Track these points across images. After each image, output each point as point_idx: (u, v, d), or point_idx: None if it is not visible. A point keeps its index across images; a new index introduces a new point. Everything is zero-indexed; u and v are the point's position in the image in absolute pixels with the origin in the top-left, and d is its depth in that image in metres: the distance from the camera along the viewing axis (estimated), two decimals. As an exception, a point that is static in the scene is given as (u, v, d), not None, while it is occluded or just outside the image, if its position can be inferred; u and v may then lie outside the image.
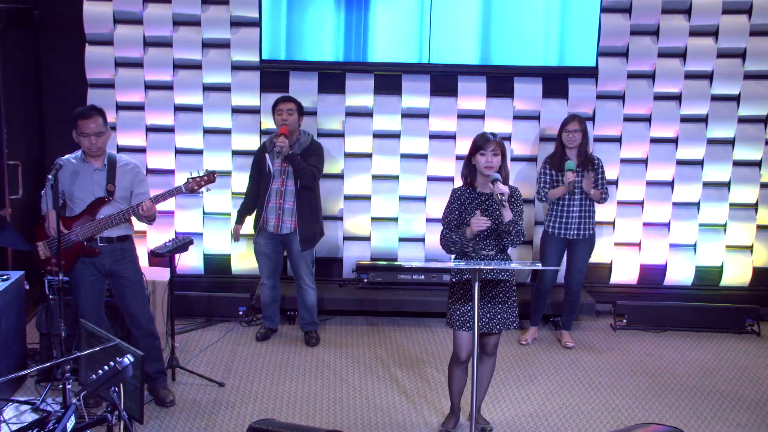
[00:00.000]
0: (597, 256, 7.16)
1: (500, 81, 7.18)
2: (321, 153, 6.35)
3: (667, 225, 7.30)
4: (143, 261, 6.92)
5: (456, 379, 4.90)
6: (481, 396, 4.99)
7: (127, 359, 3.60)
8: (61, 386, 4.81)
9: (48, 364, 4.76)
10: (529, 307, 6.64)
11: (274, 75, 7.16)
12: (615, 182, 7.22)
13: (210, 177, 5.18)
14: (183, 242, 5.68)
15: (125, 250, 5.13)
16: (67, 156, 5.08)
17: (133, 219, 5.14)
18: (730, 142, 7.23)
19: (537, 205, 7.14)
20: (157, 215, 5.17)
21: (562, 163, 6.18)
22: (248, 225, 6.77)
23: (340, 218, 7.28)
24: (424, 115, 7.21)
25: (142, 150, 7.13)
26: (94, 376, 3.55)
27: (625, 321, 6.96)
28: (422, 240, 7.27)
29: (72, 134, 5.00)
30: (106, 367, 3.54)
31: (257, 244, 6.40)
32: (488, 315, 4.68)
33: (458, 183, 5.07)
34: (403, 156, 7.24)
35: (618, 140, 7.22)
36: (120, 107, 7.11)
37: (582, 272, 6.46)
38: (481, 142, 4.58)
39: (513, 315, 4.74)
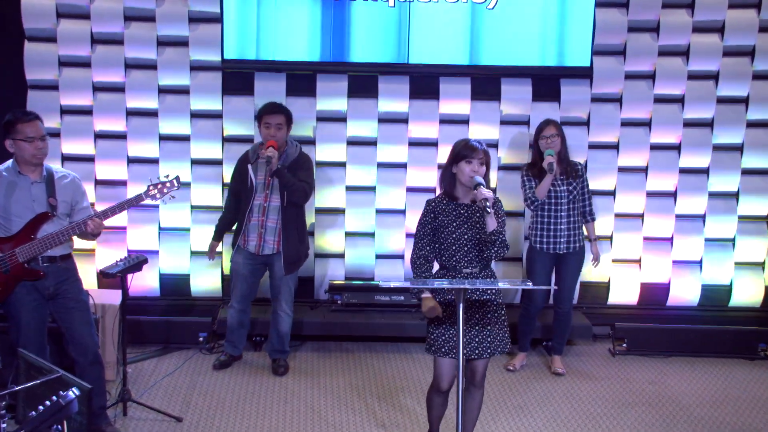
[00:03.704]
0: (594, 274, 7.24)
1: (486, 82, 7.24)
2: (311, 166, 6.37)
3: (670, 240, 7.36)
4: (92, 282, 6.89)
5: (436, 407, 4.88)
6: None
7: (72, 393, 3.54)
8: (-5, 425, 4.75)
9: (-20, 400, 4.69)
10: (517, 331, 6.65)
11: (237, 76, 7.18)
12: (612, 193, 7.30)
13: (173, 183, 5.16)
14: (136, 261, 5.63)
15: (69, 269, 5.08)
16: None
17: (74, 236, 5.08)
18: (738, 148, 7.32)
19: (527, 218, 7.17)
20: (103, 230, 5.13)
21: (543, 173, 6.22)
22: (203, 240, 6.74)
23: (311, 233, 7.26)
24: (403, 120, 7.25)
25: (90, 159, 7.12)
26: (33, 412, 3.50)
27: (624, 345, 6.99)
28: (401, 257, 7.31)
29: (5, 144, 4.89)
30: (47, 403, 3.49)
31: (235, 264, 6.39)
32: (476, 339, 4.65)
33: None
34: (380, 165, 7.28)
35: (615, 147, 7.29)
36: (65, 111, 7.10)
37: (573, 289, 6.51)
38: (466, 151, 4.58)
39: (504, 336, 4.72)
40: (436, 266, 4.78)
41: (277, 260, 6.27)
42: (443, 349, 4.64)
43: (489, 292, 4.66)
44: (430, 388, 4.85)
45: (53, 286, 4.98)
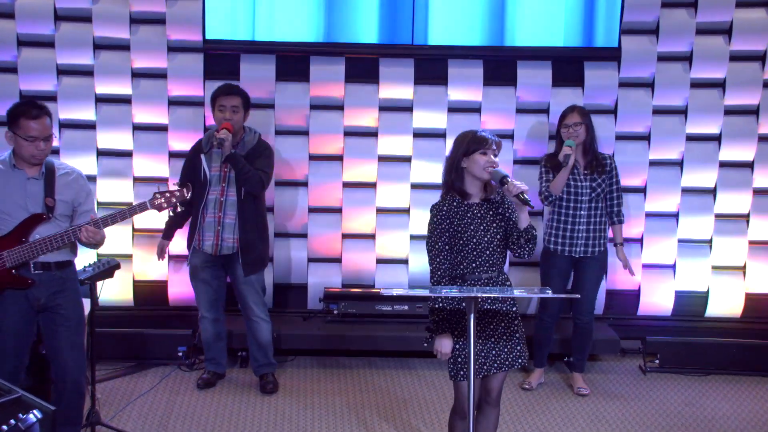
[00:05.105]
0: (622, 281, 7.22)
1: (500, 66, 7.23)
2: (270, 155, 6.35)
3: (709, 242, 7.34)
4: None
5: None
6: None
7: (33, 416, 3.53)
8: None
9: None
10: (533, 344, 6.64)
11: (220, 58, 7.19)
12: (643, 190, 7.29)
13: (182, 193, 5.06)
14: (107, 266, 5.61)
15: (66, 279, 4.99)
16: None
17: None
18: (788, 139, 7.30)
19: (546, 218, 7.12)
20: (105, 239, 4.98)
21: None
22: (180, 242, 6.74)
23: (305, 235, 7.29)
24: (407, 108, 7.26)
25: (54, 151, 6.96)
26: (-13, 438, 3.49)
27: (657, 362, 6.98)
28: (405, 262, 7.30)
29: (5, 135, 4.82)
30: (5, 427, 3.48)
31: (193, 268, 6.38)
32: (492, 353, 4.61)
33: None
34: (381, 158, 7.28)
35: (646, 138, 7.28)
36: (25, 97, 7.05)
37: (593, 299, 6.49)
38: (477, 143, 4.54)
39: (522, 349, 4.67)
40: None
41: (237, 261, 6.25)
42: (463, 371, 4.56)
43: (504, 300, 4.64)
44: (452, 412, 4.79)
45: (45, 297, 4.89)
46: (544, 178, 6.34)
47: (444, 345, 4.50)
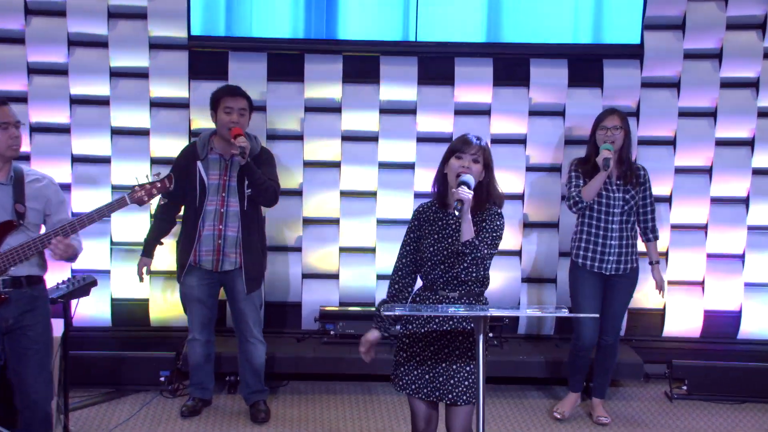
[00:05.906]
0: (646, 300, 7.17)
1: (512, 64, 7.20)
2: (275, 163, 6.33)
3: (741, 257, 7.28)
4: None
5: None
6: None
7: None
8: None
9: None
10: (565, 369, 6.61)
11: (207, 56, 7.16)
12: (668, 199, 7.24)
13: (164, 183, 4.97)
14: (83, 283, 5.67)
15: (36, 297, 4.91)
16: None
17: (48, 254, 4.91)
18: (827, 143, 7.28)
19: (562, 230, 7.15)
20: (81, 248, 4.91)
21: (596, 171, 6.08)
22: (162, 258, 6.65)
23: (298, 249, 7.25)
24: (411, 110, 7.23)
25: (24, 157, 6.95)
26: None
27: (684, 388, 6.92)
28: (408, 278, 7.17)
29: None
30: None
31: (187, 287, 6.26)
32: (441, 378, 4.52)
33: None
34: (382, 165, 7.24)
35: (671, 143, 7.23)
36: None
37: (621, 319, 6.44)
38: (458, 144, 4.55)
39: (471, 384, 4.56)
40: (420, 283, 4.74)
41: (238, 277, 6.17)
42: (400, 383, 4.62)
43: (468, 322, 4.52)
44: None
45: (13, 318, 4.80)
46: (574, 183, 6.24)
47: (367, 340, 4.64)
